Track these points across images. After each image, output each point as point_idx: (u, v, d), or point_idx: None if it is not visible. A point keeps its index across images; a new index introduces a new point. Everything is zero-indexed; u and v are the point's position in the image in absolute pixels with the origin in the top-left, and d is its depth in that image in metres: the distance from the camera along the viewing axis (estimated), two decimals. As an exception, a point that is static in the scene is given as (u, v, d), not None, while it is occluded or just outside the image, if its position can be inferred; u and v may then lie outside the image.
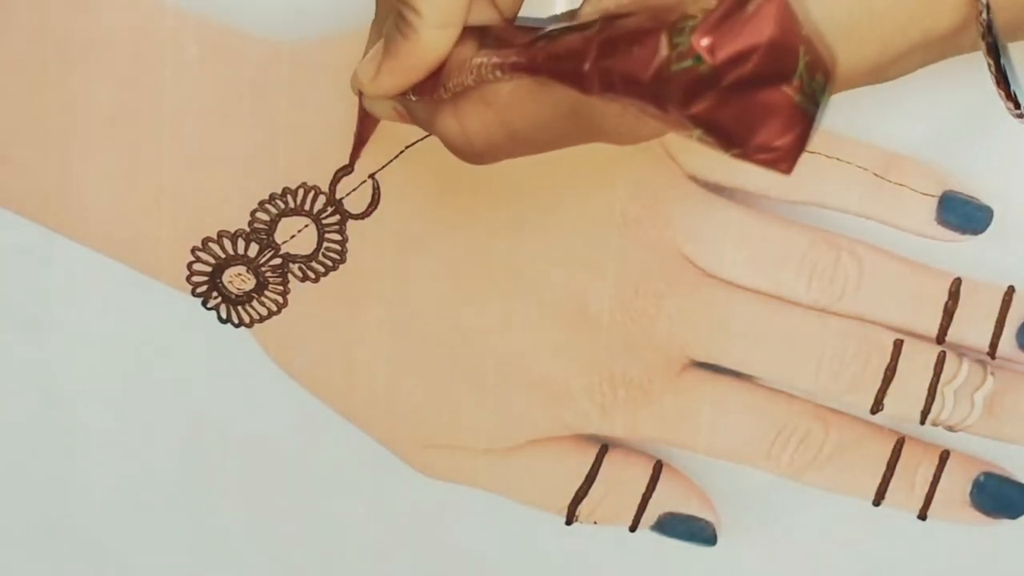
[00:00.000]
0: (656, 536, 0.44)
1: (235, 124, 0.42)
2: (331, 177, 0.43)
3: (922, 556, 0.45)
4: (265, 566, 0.46)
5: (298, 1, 0.42)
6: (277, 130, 0.42)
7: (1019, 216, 0.43)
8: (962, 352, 0.43)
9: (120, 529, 0.46)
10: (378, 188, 0.43)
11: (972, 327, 0.43)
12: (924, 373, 0.42)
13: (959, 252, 0.43)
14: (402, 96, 0.35)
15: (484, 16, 0.34)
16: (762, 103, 0.27)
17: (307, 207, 0.43)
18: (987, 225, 0.42)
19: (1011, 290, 0.43)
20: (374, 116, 0.38)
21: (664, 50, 0.27)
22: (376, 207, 0.43)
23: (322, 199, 0.43)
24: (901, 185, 0.42)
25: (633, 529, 0.44)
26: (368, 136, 0.41)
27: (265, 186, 0.43)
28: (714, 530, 0.44)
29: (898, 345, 0.42)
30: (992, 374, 0.42)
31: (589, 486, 0.43)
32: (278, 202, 0.43)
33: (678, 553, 0.44)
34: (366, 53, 0.36)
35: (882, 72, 0.32)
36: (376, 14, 0.36)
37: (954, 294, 0.42)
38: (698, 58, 0.26)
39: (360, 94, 0.37)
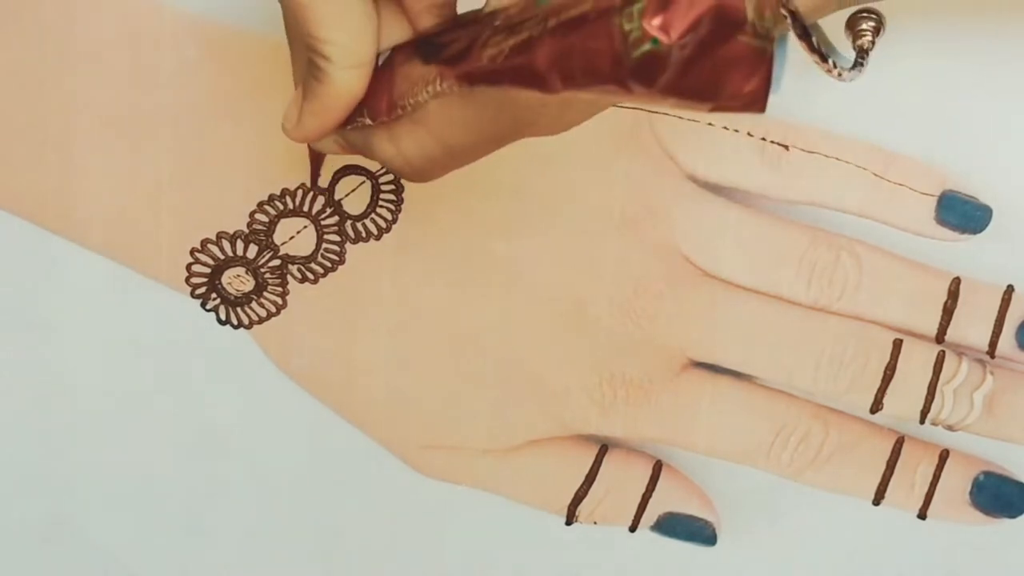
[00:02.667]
0: (656, 536, 0.44)
1: (234, 124, 0.42)
2: (330, 178, 0.43)
3: (922, 556, 0.45)
4: (264, 567, 0.46)
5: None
6: (276, 131, 0.42)
7: (1018, 215, 0.43)
8: (961, 351, 0.43)
9: (119, 529, 0.46)
10: (377, 189, 0.43)
11: (971, 326, 0.43)
12: (924, 372, 0.42)
13: (958, 251, 0.43)
14: (342, 127, 0.35)
15: (398, 35, 0.34)
16: (722, 58, 0.27)
17: (306, 208, 0.43)
18: (986, 224, 0.42)
19: (1010, 289, 0.43)
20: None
21: (618, 40, 0.27)
22: (375, 208, 0.43)
23: (321, 200, 0.43)
24: (900, 185, 0.42)
25: (633, 529, 0.44)
26: (320, 166, 0.40)
27: (264, 187, 0.43)
28: (714, 530, 0.44)
29: (897, 344, 0.42)
30: (991, 373, 0.42)
31: (589, 486, 0.43)
32: (277, 203, 0.43)
33: (678, 553, 0.44)
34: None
35: None
36: (292, 59, 0.36)
37: (953, 293, 0.42)
38: (655, 41, 0.27)
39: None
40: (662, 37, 0.27)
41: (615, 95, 0.28)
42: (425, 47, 0.33)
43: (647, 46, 0.27)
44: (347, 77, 0.33)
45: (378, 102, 0.34)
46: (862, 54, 0.34)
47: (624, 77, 0.27)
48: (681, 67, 0.27)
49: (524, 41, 0.29)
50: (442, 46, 0.32)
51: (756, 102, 0.27)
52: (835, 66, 0.31)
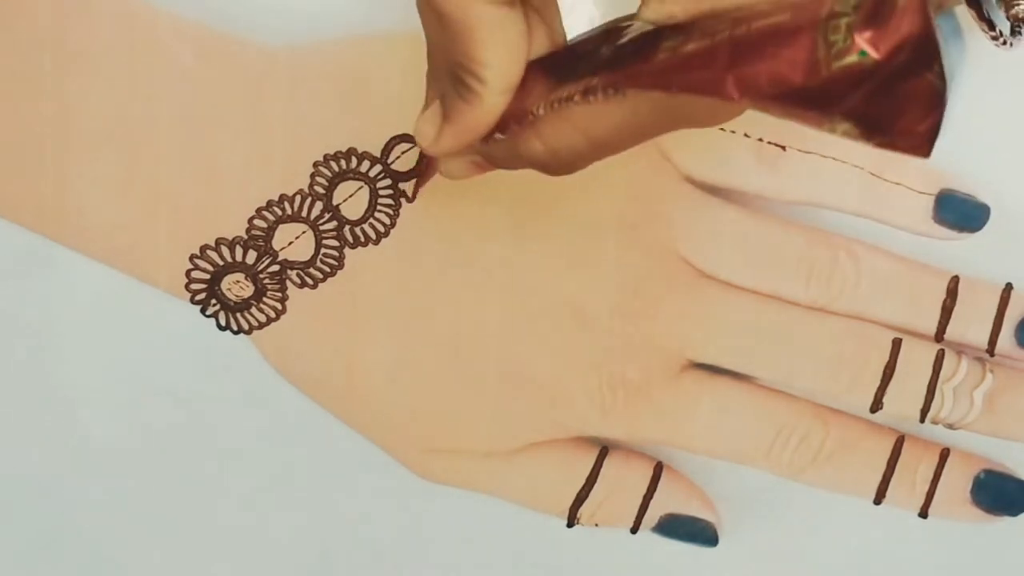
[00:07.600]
0: (657, 537, 0.44)
1: (231, 131, 0.42)
2: (327, 182, 0.43)
3: (923, 555, 0.45)
4: (264, 570, 0.46)
5: (294, 6, 0.42)
6: (273, 136, 0.42)
7: (1016, 214, 0.43)
8: (961, 350, 0.43)
9: (120, 533, 0.46)
10: (376, 193, 0.43)
11: (971, 325, 0.43)
12: (923, 371, 0.42)
13: (957, 250, 0.43)
14: (482, 142, 0.35)
15: (537, 51, 0.34)
16: (909, 91, 0.27)
17: (304, 213, 0.43)
18: (984, 223, 0.42)
19: (1009, 287, 0.43)
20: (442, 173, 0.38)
21: (821, 50, 0.27)
22: (373, 213, 0.43)
23: (319, 205, 0.43)
24: (898, 184, 0.42)
25: (634, 531, 0.44)
26: (426, 182, 0.42)
27: (262, 193, 0.43)
28: (715, 531, 0.44)
29: (897, 344, 0.42)
30: (991, 371, 0.42)
31: (590, 488, 0.43)
32: (275, 209, 0.43)
33: (680, 554, 0.44)
34: (425, 108, 0.36)
35: None
36: (429, 65, 0.35)
37: (952, 292, 0.42)
38: (863, 53, 0.27)
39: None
40: (871, 51, 0.27)
41: (793, 112, 0.28)
42: (560, 59, 0.33)
43: (852, 58, 0.27)
44: (499, 101, 0.33)
45: (507, 116, 0.34)
46: (1018, 23, 0.35)
47: (813, 91, 0.27)
48: (874, 89, 0.27)
49: (705, 48, 0.29)
50: (588, 55, 0.32)
51: (924, 145, 0.28)
52: (1000, 34, 0.31)
